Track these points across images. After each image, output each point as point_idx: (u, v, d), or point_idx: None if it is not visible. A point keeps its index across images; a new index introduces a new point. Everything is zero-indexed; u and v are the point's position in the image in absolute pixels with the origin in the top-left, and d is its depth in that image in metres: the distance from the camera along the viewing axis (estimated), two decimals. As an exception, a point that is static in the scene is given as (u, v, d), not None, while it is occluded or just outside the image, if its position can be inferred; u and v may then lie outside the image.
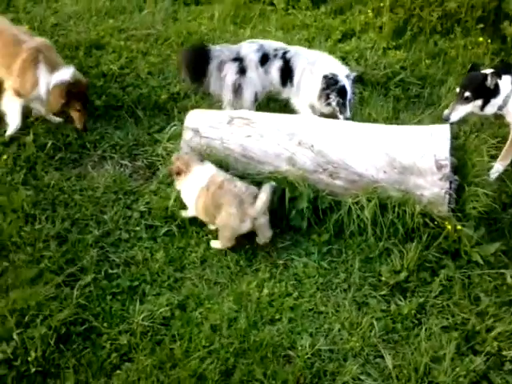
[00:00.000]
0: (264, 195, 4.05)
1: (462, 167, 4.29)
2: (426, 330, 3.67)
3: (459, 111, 4.58)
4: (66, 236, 4.20)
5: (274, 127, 4.48)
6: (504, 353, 3.57)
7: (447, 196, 4.08)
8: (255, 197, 4.07)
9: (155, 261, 4.08)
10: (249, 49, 5.10)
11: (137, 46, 6.21)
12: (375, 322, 3.71)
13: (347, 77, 4.86)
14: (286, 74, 5.06)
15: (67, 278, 3.90)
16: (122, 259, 4.09)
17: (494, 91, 4.54)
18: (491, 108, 4.63)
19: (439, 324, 3.71)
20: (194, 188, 4.25)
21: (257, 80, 5.10)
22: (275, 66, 5.05)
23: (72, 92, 4.87)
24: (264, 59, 5.06)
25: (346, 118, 4.80)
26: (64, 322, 3.56)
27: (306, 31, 6.64)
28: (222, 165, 4.38)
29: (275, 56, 5.05)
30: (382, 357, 3.54)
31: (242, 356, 3.50)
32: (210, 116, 4.69)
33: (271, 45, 5.15)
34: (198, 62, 5.16)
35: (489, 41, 6.26)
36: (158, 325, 3.66)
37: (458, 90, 4.65)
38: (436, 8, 6.54)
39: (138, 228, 4.33)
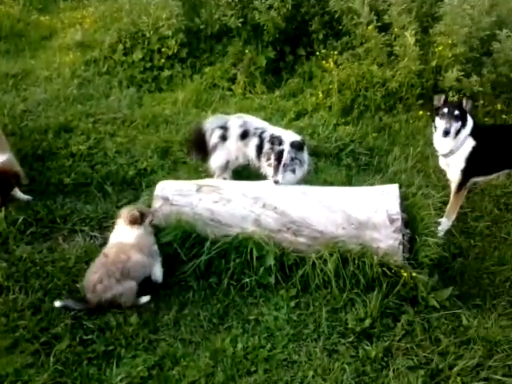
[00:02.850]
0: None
1: (412, 222, 4.67)
2: (393, 370, 3.85)
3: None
4: (39, 306, 4.25)
5: (240, 192, 4.80)
6: (467, 387, 3.79)
7: (401, 247, 4.42)
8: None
9: (129, 325, 4.15)
10: (234, 122, 5.53)
11: (104, 129, 6.53)
12: (346, 367, 3.86)
13: (291, 144, 4.93)
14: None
15: (43, 346, 3.94)
16: (96, 325, 4.14)
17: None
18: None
19: (405, 364, 3.91)
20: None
21: (232, 150, 5.50)
22: (252, 142, 5.40)
23: None
24: (244, 134, 5.45)
25: (275, 182, 4.84)
26: (42, 387, 3.58)
27: (264, 112, 7.10)
28: (192, 229, 4.63)
29: (254, 134, 5.41)
30: (355, 399, 3.69)
31: (221, 408, 3.59)
32: (179, 185, 4.97)
33: (254, 123, 5.53)
34: (197, 139, 5.70)
35: (428, 114, 6.83)
36: (135, 385, 3.72)
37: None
38: (379, 88, 7.17)
39: (110, 295, 4.44)
